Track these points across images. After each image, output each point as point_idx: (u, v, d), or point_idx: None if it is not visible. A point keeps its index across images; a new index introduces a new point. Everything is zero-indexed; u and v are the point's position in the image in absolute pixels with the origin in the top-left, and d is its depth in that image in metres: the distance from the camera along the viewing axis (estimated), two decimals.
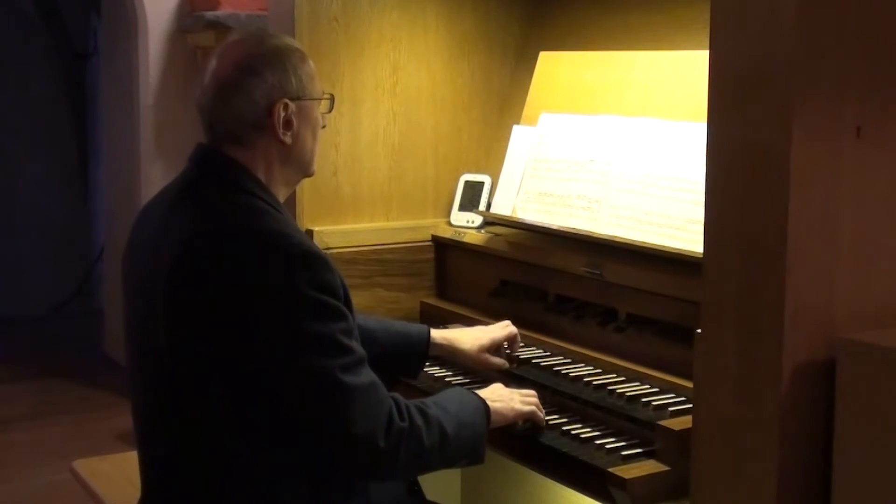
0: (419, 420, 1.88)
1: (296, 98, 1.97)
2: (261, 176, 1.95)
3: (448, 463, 2.04)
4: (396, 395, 1.90)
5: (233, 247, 1.81)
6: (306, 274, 1.79)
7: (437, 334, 2.38)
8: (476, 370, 2.42)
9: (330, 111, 2.11)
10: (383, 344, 2.27)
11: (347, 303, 1.87)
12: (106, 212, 6.52)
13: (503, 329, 2.41)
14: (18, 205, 7.08)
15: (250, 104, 1.93)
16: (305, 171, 2.06)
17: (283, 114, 1.95)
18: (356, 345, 1.85)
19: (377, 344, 2.23)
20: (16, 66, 6.97)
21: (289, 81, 1.96)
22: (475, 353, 2.36)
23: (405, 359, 2.35)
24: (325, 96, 2.07)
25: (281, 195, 2.01)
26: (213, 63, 1.98)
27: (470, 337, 2.39)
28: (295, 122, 1.97)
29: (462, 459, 2.03)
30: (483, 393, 2.12)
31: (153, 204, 2.04)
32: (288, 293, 1.78)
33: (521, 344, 2.44)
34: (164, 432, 1.90)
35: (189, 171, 1.99)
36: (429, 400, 1.98)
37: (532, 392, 2.19)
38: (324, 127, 2.08)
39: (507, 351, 2.40)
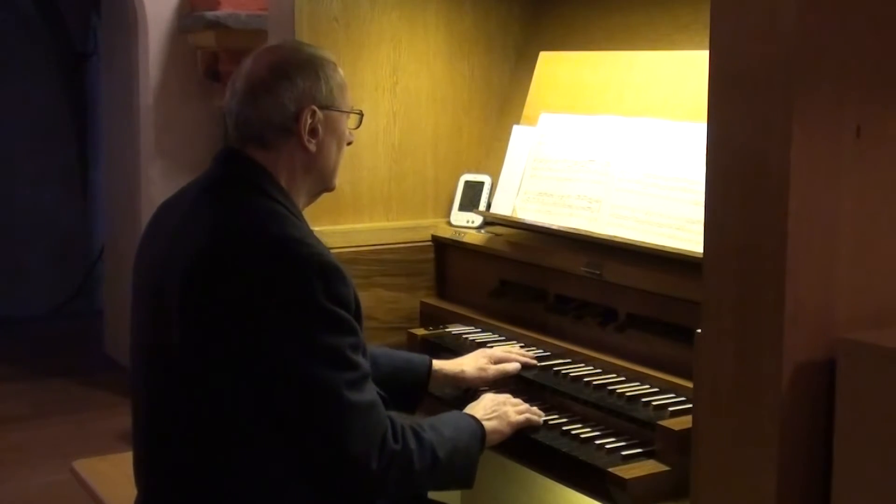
0: (412, 443, 1.87)
1: (324, 107, 1.98)
2: (283, 182, 1.96)
3: (437, 487, 2.04)
4: (393, 414, 1.89)
5: (251, 251, 1.81)
6: (322, 284, 1.79)
7: (439, 363, 2.34)
8: (486, 386, 2.36)
9: (357, 126, 2.11)
10: (385, 369, 2.24)
11: (358, 315, 1.87)
12: (106, 212, 6.52)
13: (501, 348, 2.42)
14: (18, 205, 7.08)
15: (278, 107, 1.94)
16: (327, 184, 2.06)
17: (310, 121, 1.96)
18: (362, 360, 1.85)
19: (379, 369, 2.21)
20: (16, 66, 6.97)
21: (319, 89, 1.97)
22: (477, 373, 2.33)
23: (406, 386, 2.29)
24: (355, 111, 2.08)
25: (301, 205, 2.01)
26: (247, 65, 1.99)
27: (469, 360, 2.37)
28: (321, 131, 1.98)
29: (452, 485, 2.03)
30: (476, 411, 2.11)
31: (171, 202, 2.04)
32: (302, 302, 1.78)
33: (543, 352, 2.43)
34: (170, 433, 1.89)
35: (211, 171, 2.00)
36: (425, 422, 1.98)
37: (518, 400, 2.18)
38: (350, 143, 2.09)
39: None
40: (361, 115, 2.11)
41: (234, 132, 1.98)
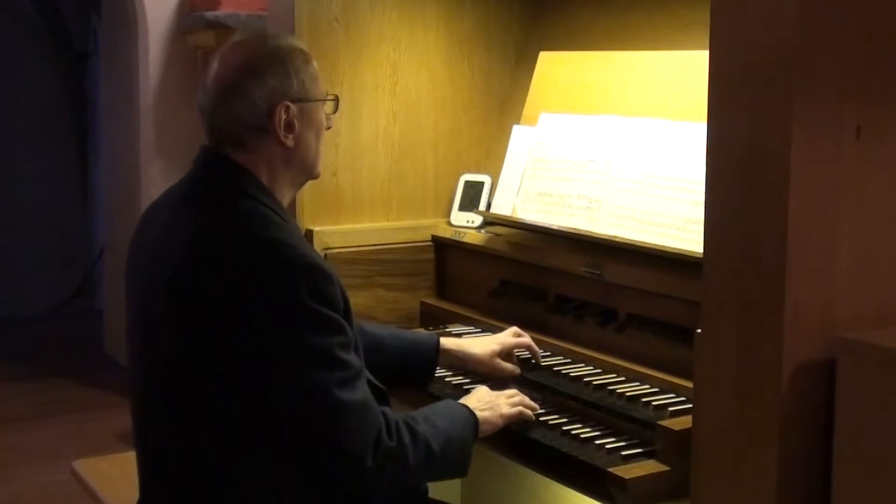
0: (407, 438, 1.87)
1: (297, 100, 1.95)
2: (264, 179, 1.94)
3: (432, 478, 2.05)
4: (387, 410, 1.89)
5: (234, 254, 1.80)
6: (307, 285, 1.78)
7: (447, 342, 2.36)
8: (489, 376, 2.36)
9: (334, 112, 2.09)
10: (392, 351, 2.25)
11: (347, 313, 1.86)
12: (106, 212, 6.52)
13: (514, 336, 2.40)
14: (18, 205, 7.08)
15: (251, 107, 1.92)
16: (310, 173, 2.05)
17: (284, 116, 1.93)
18: (353, 358, 1.85)
19: (386, 351, 2.22)
20: (16, 66, 6.97)
21: (290, 84, 1.95)
22: (486, 358, 2.34)
23: (414, 366, 2.31)
24: (329, 97, 2.06)
25: (286, 198, 2.00)
26: (214, 65, 1.96)
27: (480, 343, 2.37)
28: (297, 125, 1.95)
29: (447, 475, 2.04)
30: (469, 401, 2.11)
31: (156, 206, 2.03)
32: (288, 303, 1.78)
33: (543, 352, 2.42)
34: (164, 434, 1.89)
35: (193, 174, 1.98)
36: (419, 414, 1.98)
37: (514, 391, 2.19)
38: (328, 128, 2.07)
39: (532, 360, 2.38)
40: (337, 99, 2.09)
41: (210, 134, 1.96)
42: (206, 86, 1.96)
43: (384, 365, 1.97)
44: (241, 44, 2.00)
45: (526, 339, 2.39)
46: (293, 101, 1.95)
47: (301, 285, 1.78)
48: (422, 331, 2.62)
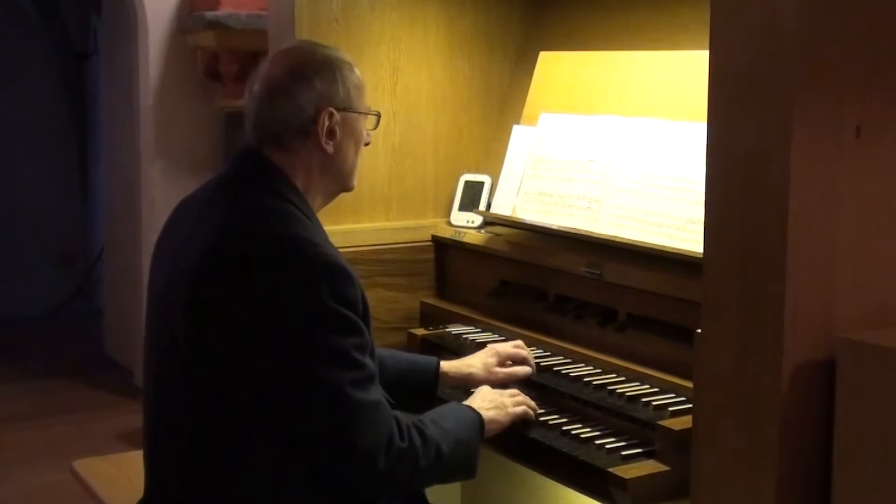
0: (418, 441, 1.88)
1: (342, 108, 1.99)
2: (299, 183, 1.97)
3: (441, 480, 2.05)
4: (398, 413, 1.90)
5: (258, 249, 1.82)
6: (328, 284, 1.80)
7: (447, 365, 2.33)
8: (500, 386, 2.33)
9: (375, 128, 2.12)
10: (390, 372, 2.23)
11: (366, 317, 1.88)
12: (106, 212, 6.52)
13: (510, 344, 2.39)
14: (18, 205, 7.08)
15: (297, 109, 1.95)
16: (344, 184, 2.08)
17: (327, 122, 1.97)
18: (369, 361, 1.85)
19: (384, 372, 2.20)
20: (16, 66, 6.98)
21: (336, 91, 1.99)
22: (487, 375, 2.30)
23: (412, 389, 2.28)
24: (372, 112, 2.09)
25: (317, 205, 2.03)
26: (264, 67, 2.01)
27: (478, 360, 2.35)
28: (338, 132, 1.99)
29: (456, 476, 2.05)
30: (474, 402, 2.12)
31: (188, 200, 2.06)
32: (308, 301, 1.79)
33: (543, 352, 2.41)
34: (175, 430, 1.89)
35: (228, 171, 2.02)
36: (427, 417, 1.98)
37: (516, 391, 2.20)
38: (367, 144, 2.10)
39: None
40: (379, 115, 2.12)
41: (253, 134, 2.00)
42: (252, 88, 2.00)
43: (383, 385, 1.98)
44: (291, 49, 2.06)
45: (524, 351, 2.37)
46: (338, 109, 1.99)
47: (322, 284, 1.79)
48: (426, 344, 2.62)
